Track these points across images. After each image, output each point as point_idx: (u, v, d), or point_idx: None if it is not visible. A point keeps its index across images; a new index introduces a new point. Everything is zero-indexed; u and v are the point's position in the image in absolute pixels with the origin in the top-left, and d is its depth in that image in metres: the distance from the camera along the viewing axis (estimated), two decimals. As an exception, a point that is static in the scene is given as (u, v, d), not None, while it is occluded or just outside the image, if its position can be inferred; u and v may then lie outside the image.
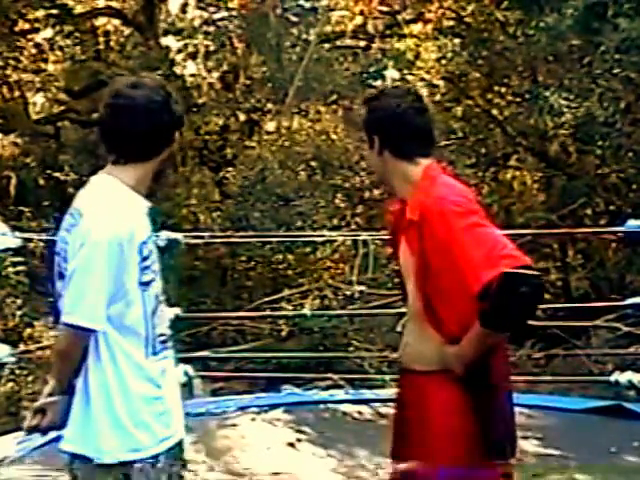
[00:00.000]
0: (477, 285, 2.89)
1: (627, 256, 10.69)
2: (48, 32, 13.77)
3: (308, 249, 10.82)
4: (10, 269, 9.51)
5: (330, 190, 11.65)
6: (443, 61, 12.46)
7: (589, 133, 10.52)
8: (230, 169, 12.55)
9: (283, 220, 10.87)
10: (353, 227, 11.41)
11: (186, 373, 6.52)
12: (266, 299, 10.39)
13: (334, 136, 12.43)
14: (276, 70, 12.95)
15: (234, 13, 13.53)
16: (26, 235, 7.91)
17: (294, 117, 12.95)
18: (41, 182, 13.49)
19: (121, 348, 2.88)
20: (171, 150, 3.09)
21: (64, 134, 14.35)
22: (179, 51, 13.44)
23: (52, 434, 3.03)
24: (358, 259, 10.14)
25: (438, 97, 12.31)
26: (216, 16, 13.72)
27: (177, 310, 6.08)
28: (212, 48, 13.53)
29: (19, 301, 9.85)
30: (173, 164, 12.31)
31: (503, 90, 12.08)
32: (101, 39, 14.06)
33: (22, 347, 8.85)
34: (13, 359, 7.02)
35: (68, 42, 13.88)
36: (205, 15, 13.77)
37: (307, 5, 13.71)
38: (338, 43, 13.93)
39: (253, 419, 6.40)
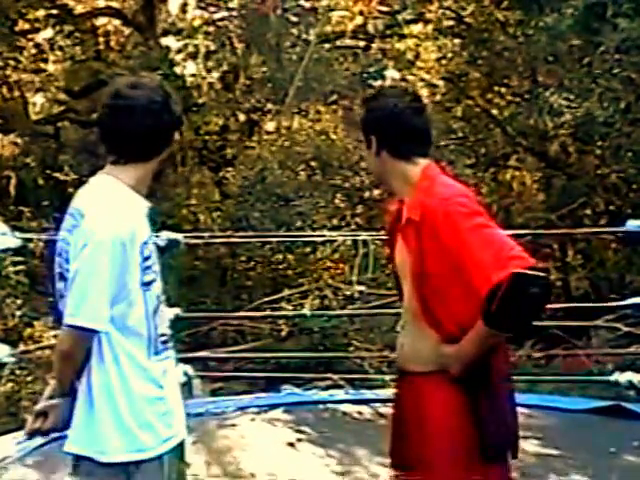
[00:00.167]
0: (486, 286, 2.89)
1: (627, 256, 10.70)
2: (48, 32, 13.78)
3: (308, 249, 10.83)
4: (10, 269, 9.51)
5: (330, 190, 11.65)
6: (443, 61, 12.46)
7: (589, 133, 10.52)
8: (230, 169, 12.55)
9: (283, 220, 10.87)
10: (353, 227, 11.41)
11: (186, 373, 6.51)
12: (266, 299, 10.39)
13: (334, 136, 12.43)
14: (276, 70, 12.95)
15: (234, 13, 13.52)
16: (26, 235, 7.90)
17: (294, 117, 12.95)
18: (41, 182, 13.49)
19: (124, 349, 2.88)
20: (170, 150, 3.09)
21: (64, 134, 14.35)
22: (179, 51, 13.44)
23: (52, 436, 3.03)
24: (358, 259, 10.13)
25: (438, 97, 12.32)
26: (216, 16, 13.72)
27: (177, 310, 6.07)
28: (212, 48, 13.53)
29: (19, 301, 9.85)
30: (173, 164, 12.32)
31: (503, 90, 12.08)
32: (101, 39, 14.07)
33: (22, 347, 8.85)
34: (13, 359, 7.01)
35: (68, 42, 13.89)
36: (205, 15, 13.77)
37: (307, 5, 13.70)
38: (338, 43, 13.92)
39: (253, 419, 6.40)
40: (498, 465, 3.18)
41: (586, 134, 10.60)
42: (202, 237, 8.75)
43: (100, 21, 14.15)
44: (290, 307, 10.08)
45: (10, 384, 8.37)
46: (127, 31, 14.11)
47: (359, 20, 13.48)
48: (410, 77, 12.48)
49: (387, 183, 3.29)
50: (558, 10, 10.26)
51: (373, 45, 13.65)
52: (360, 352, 9.16)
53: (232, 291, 11.28)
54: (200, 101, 13.13)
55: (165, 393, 2.97)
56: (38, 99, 14.30)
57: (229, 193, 12.22)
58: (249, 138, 13.03)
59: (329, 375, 7.98)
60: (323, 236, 9.85)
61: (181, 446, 3.05)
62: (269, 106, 13.23)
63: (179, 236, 6.72)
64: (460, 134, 12.07)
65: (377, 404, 6.41)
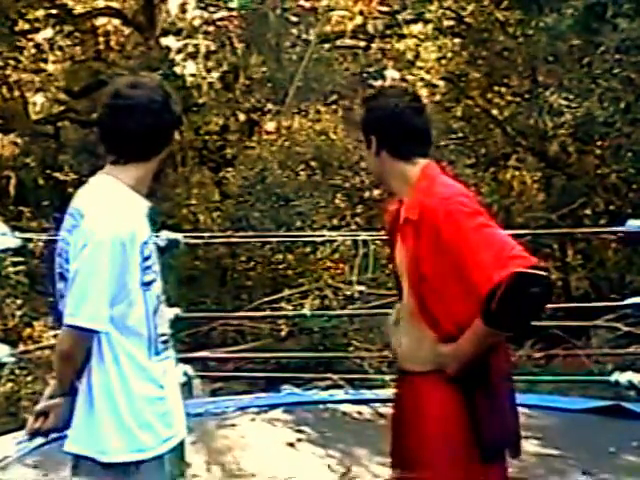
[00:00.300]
0: (487, 285, 2.88)
1: (627, 256, 10.70)
2: (48, 32, 13.77)
3: (308, 249, 10.83)
4: (10, 269, 9.52)
5: (330, 190, 11.65)
6: (443, 61, 12.46)
7: (589, 133, 10.52)
8: (230, 169, 12.55)
9: (283, 220, 10.87)
10: (353, 227, 11.41)
11: (185, 373, 6.50)
12: (266, 299, 10.39)
13: (334, 136, 12.43)
14: (276, 70, 12.94)
15: (234, 13, 13.52)
16: (26, 235, 7.89)
17: (294, 117, 12.95)
18: (41, 182, 13.49)
19: (124, 349, 2.88)
20: (170, 150, 3.09)
21: (64, 134, 14.34)
22: (179, 51, 13.43)
23: (52, 436, 3.03)
24: (358, 259, 10.13)
25: (438, 97, 12.32)
26: (216, 16, 13.71)
27: (177, 310, 6.07)
28: (212, 48, 13.53)
29: (19, 301, 9.86)
30: (173, 164, 12.32)
31: (503, 90, 12.08)
32: (101, 39, 14.06)
33: (22, 347, 8.86)
34: (13, 359, 7.00)
35: (68, 42, 13.88)
36: (205, 15, 13.76)
37: (307, 5, 13.69)
38: (338, 43, 13.91)
39: (253, 419, 6.39)
40: (497, 465, 3.18)
41: (586, 134, 10.61)
42: (202, 237, 8.75)
43: (100, 21, 14.14)
44: (290, 307, 10.08)
45: (10, 384, 8.38)
46: (127, 31, 14.11)
47: (359, 20, 13.48)
48: (410, 77, 12.48)
49: (387, 183, 3.29)
50: (558, 10, 10.27)
51: (373, 45, 13.65)
52: (360, 352, 9.16)
53: (232, 291, 11.28)
54: (200, 101, 13.13)
55: (165, 393, 2.97)
56: (38, 99, 14.29)
57: (229, 193, 12.21)
58: (249, 138, 13.03)
59: (329, 375, 7.97)
60: (323, 236, 9.85)
61: (181, 446, 3.05)
62: (269, 106, 13.23)
63: (179, 236, 6.72)
64: (460, 134, 12.06)
65: (377, 404, 6.40)
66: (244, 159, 12.29)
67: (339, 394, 6.95)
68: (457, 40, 12.27)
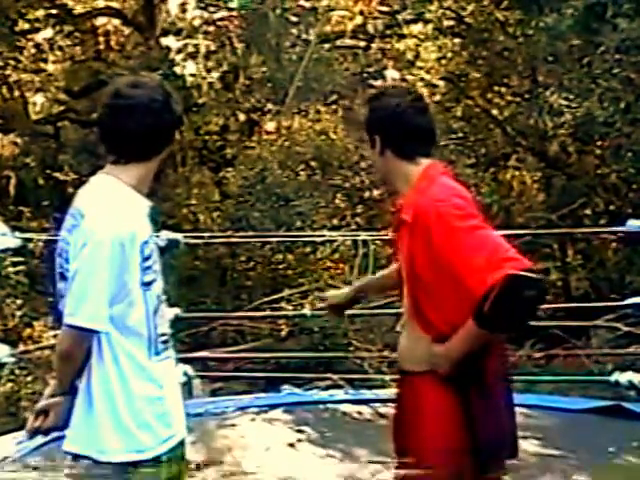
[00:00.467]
0: (481, 288, 2.88)
1: (627, 256, 10.69)
2: (48, 32, 13.77)
3: (308, 249, 10.83)
4: (10, 269, 9.52)
5: (330, 190, 11.65)
6: (443, 61, 12.46)
7: (589, 133, 10.52)
8: (230, 169, 12.55)
9: (283, 220, 10.87)
10: (353, 227, 11.40)
11: (185, 373, 6.51)
12: (266, 299, 10.39)
13: (334, 136, 12.43)
14: (276, 70, 12.94)
15: (234, 13, 13.52)
16: (26, 235, 7.89)
17: (294, 117, 12.94)
18: (41, 182, 13.49)
19: (123, 349, 2.88)
20: (170, 149, 3.09)
21: (64, 134, 14.34)
22: (179, 51, 13.43)
23: (53, 435, 3.03)
24: (358, 259, 10.13)
25: (438, 97, 12.31)
26: (216, 16, 13.71)
27: (177, 310, 6.07)
28: (212, 48, 13.53)
29: (19, 301, 9.85)
30: (173, 164, 12.32)
31: (503, 90, 12.08)
32: (101, 39, 14.06)
33: (22, 347, 8.85)
34: (13, 359, 7.01)
35: (68, 42, 13.88)
36: (205, 15, 13.76)
37: (307, 5, 13.69)
38: (338, 43, 13.91)
39: (252, 419, 6.39)
40: (494, 465, 3.17)
41: (586, 134, 10.60)
42: (202, 237, 8.75)
43: (100, 21, 14.14)
44: (290, 307, 10.08)
45: (10, 384, 8.37)
46: (127, 31, 14.10)
47: (359, 20, 13.47)
48: (410, 77, 12.47)
49: (390, 183, 3.29)
50: (558, 10, 10.26)
51: (373, 45, 13.64)
52: (360, 352, 9.16)
53: (232, 291, 11.27)
54: (200, 101, 13.12)
55: (165, 393, 2.97)
56: (38, 99, 14.29)
57: (229, 193, 12.21)
58: (249, 138, 13.03)
59: (329, 375, 7.97)
60: (323, 236, 9.85)
61: (181, 446, 3.05)
62: (269, 106, 13.23)
63: (179, 236, 6.72)
64: (460, 134, 12.05)
65: (377, 404, 6.39)
66: (244, 159, 12.29)
67: (339, 394, 6.95)
68: (457, 40, 12.27)
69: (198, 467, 5.39)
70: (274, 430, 6.18)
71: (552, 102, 10.40)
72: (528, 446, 5.47)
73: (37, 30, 13.72)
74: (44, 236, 8.95)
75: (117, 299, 2.85)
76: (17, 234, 6.63)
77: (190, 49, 13.38)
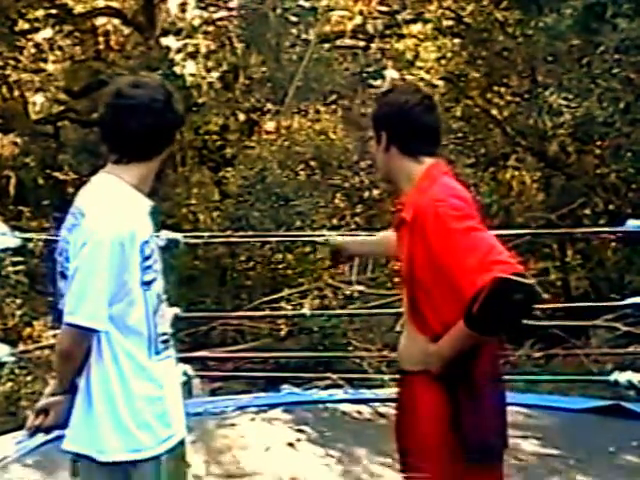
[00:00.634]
0: (471, 289, 2.88)
1: (626, 256, 10.69)
2: (48, 32, 13.78)
3: (307, 249, 10.83)
4: (10, 269, 9.52)
5: (329, 190, 11.66)
6: (442, 61, 12.46)
7: (588, 133, 10.51)
8: (230, 169, 12.55)
9: (283, 220, 10.88)
10: (353, 227, 11.41)
11: (185, 373, 6.51)
12: (265, 299, 10.40)
13: (333, 136, 12.44)
14: (276, 70, 12.95)
15: (234, 13, 13.53)
16: (26, 235, 7.90)
17: (294, 117, 12.95)
18: (41, 182, 13.50)
19: (123, 348, 2.88)
20: (172, 149, 3.09)
21: (64, 134, 14.36)
22: (179, 51, 13.43)
23: (53, 434, 3.04)
24: (357, 259, 10.14)
25: (437, 97, 12.30)
26: (216, 16, 13.72)
27: (176, 310, 6.08)
28: (212, 48, 13.54)
29: (18, 301, 9.86)
30: (173, 164, 12.32)
31: (502, 90, 12.08)
32: (101, 39, 14.07)
33: (21, 347, 8.85)
34: (12, 359, 7.01)
35: (68, 42, 13.90)
36: (205, 15, 13.76)
37: (307, 5, 13.70)
38: (338, 43, 13.92)
39: (252, 419, 6.39)
40: (486, 466, 3.17)
41: (585, 134, 10.60)
42: (202, 237, 8.74)
43: (100, 21, 14.15)
44: (290, 307, 10.09)
45: (9, 384, 8.38)
46: (127, 31, 14.12)
47: (358, 20, 13.48)
48: (409, 77, 12.47)
49: (393, 181, 3.28)
50: (557, 10, 10.26)
51: (372, 45, 13.65)
52: (359, 352, 9.16)
53: (232, 291, 11.28)
54: (200, 101, 13.13)
55: (164, 393, 2.97)
56: (38, 99, 14.30)
57: (229, 193, 12.21)
58: (249, 138, 13.04)
59: (328, 375, 7.97)
60: (323, 236, 9.83)
61: (181, 445, 3.05)
62: (269, 106, 13.24)
63: (179, 236, 6.72)
64: (460, 134, 12.06)
65: (376, 404, 6.40)
66: (244, 159, 12.29)
67: (339, 394, 6.95)
68: (457, 40, 12.28)
69: (198, 467, 5.39)
70: (274, 430, 6.19)
71: (551, 102, 10.40)
72: (528, 446, 5.48)
73: (37, 30, 13.73)
74: (44, 236, 8.95)
75: (117, 298, 2.85)
76: (17, 234, 6.63)
77: (190, 49, 13.39)
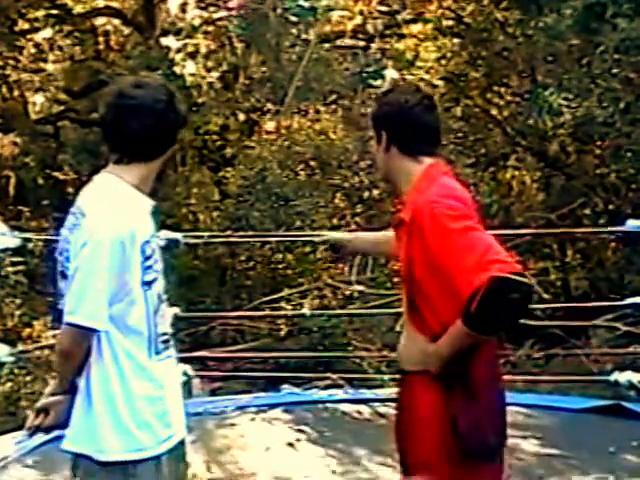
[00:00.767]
0: (468, 288, 2.88)
1: (626, 256, 10.68)
2: (48, 32, 13.77)
3: (307, 249, 10.83)
4: (9, 269, 9.52)
5: (329, 190, 11.65)
6: (442, 61, 12.45)
7: (588, 133, 10.51)
8: (229, 169, 12.55)
9: (282, 220, 10.87)
10: (353, 227, 11.40)
11: (185, 373, 6.51)
12: (265, 299, 10.39)
13: (333, 136, 12.43)
14: (275, 70, 12.94)
15: (234, 13, 13.52)
16: (25, 235, 7.90)
17: (293, 117, 12.94)
18: (40, 182, 13.49)
19: (123, 348, 2.88)
20: (174, 150, 3.09)
21: (64, 134, 14.35)
22: (179, 51, 13.43)
23: (53, 434, 3.03)
24: (357, 259, 10.14)
25: (437, 97, 12.30)
26: (216, 15, 13.72)
27: (176, 310, 6.08)
28: (212, 48, 13.53)
29: (18, 301, 9.85)
30: (173, 164, 12.32)
31: (502, 90, 12.07)
32: (101, 39, 14.06)
33: (21, 347, 8.85)
34: (12, 359, 7.01)
35: (68, 42, 13.89)
36: (205, 15, 13.76)
37: (307, 5, 13.69)
38: (337, 43, 13.92)
39: (252, 419, 6.39)
40: (486, 466, 3.17)
41: (585, 134, 10.60)
42: (202, 237, 8.75)
43: (99, 21, 14.14)
44: (289, 307, 10.09)
45: (9, 384, 8.37)
46: (127, 31, 14.11)
47: (358, 20, 13.48)
48: (409, 77, 12.46)
49: (393, 181, 3.28)
50: (557, 10, 10.26)
51: (372, 45, 13.64)
52: (359, 352, 9.16)
53: (231, 291, 11.27)
54: (200, 101, 13.13)
55: (165, 393, 2.96)
56: (38, 99, 14.30)
57: (229, 193, 12.21)
58: (249, 138, 13.03)
59: (328, 375, 7.98)
60: (323, 236, 9.83)
61: (181, 445, 3.05)
62: (269, 106, 13.23)
63: (179, 236, 6.73)
64: (459, 134, 12.05)
65: (376, 404, 6.41)
66: (244, 159, 12.29)
67: (338, 394, 6.96)
68: (456, 40, 12.27)
69: (198, 467, 5.39)
70: (273, 430, 6.19)
71: (551, 102, 10.39)
72: (528, 446, 5.49)
73: (37, 30, 13.73)
74: (43, 236, 8.96)
75: (117, 298, 2.85)
76: (16, 234, 6.64)
77: (190, 49, 13.39)
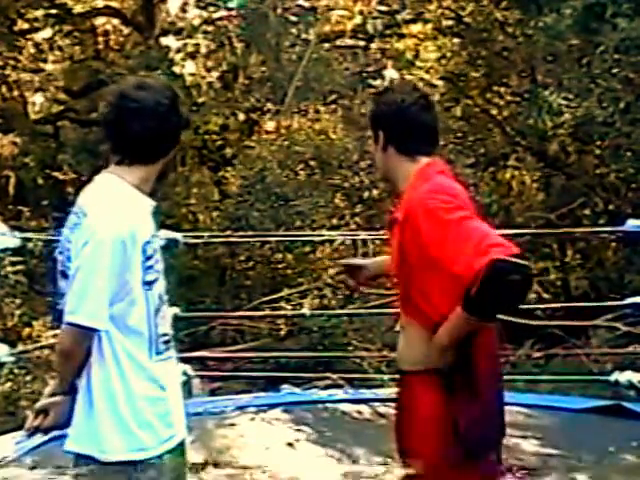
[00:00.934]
0: (468, 273, 2.87)
1: (626, 256, 10.68)
2: (47, 32, 13.78)
3: (307, 249, 10.83)
4: (9, 269, 9.51)
5: (329, 190, 11.64)
6: (442, 61, 12.46)
7: (588, 133, 10.51)
8: (229, 169, 12.55)
9: (282, 220, 10.87)
10: (352, 227, 11.40)
11: (185, 373, 6.51)
12: (265, 299, 10.39)
13: (333, 136, 12.42)
14: (275, 70, 12.94)
15: (233, 12, 13.52)
16: (25, 235, 7.90)
17: (293, 117, 12.94)
18: (40, 182, 13.49)
19: (124, 348, 2.87)
20: (176, 151, 3.08)
21: (63, 134, 14.35)
22: (178, 50, 13.43)
23: (52, 434, 3.03)
24: (358, 258, 10.12)
25: (437, 97, 12.29)
26: (215, 15, 13.71)
27: (176, 310, 6.08)
28: (212, 47, 13.53)
29: (18, 301, 9.85)
30: (173, 164, 12.31)
31: (502, 90, 12.07)
32: (100, 39, 14.07)
33: (21, 347, 8.85)
34: (12, 359, 7.01)
35: (67, 42, 13.89)
36: (204, 15, 13.76)
37: (307, 5, 13.69)
38: (337, 43, 13.92)
39: (252, 419, 6.39)
40: (485, 463, 3.17)
41: (585, 134, 10.59)
42: (201, 237, 8.75)
43: (99, 21, 14.15)
44: (289, 307, 10.09)
45: (9, 384, 8.38)
46: (126, 31, 14.11)
47: (358, 20, 13.47)
48: (409, 77, 12.46)
49: (391, 180, 3.29)
50: (557, 10, 10.26)
51: (372, 45, 13.64)
52: (359, 352, 9.16)
53: (231, 291, 11.27)
54: (199, 101, 13.13)
55: (166, 394, 2.96)
56: (37, 99, 14.30)
57: (228, 193, 12.21)
58: (248, 138, 13.03)
59: (328, 375, 7.98)
60: (322, 236, 9.85)
61: (182, 446, 3.05)
62: (268, 106, 13.23)
63: (178, 235, 6.72)
64: (459, 134, 12.05)
65: (376, 404, 6.40)
66: (243, 159, 12.29)
67: (338, 394, 6.96)
68: (456, 40, 12.27)
69: (198, 467, 5.39)
70: (273, 429, 6.18)
71: (551, 102, 10.39)
72: (528, 446, 5.48)
73: (36, 30, 13.74)
74: (43, 236, 8.95)
75: (118, 298, 2.84)
76: (16, 234, 6.63)
77: (189, 49, 13.38)
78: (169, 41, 13.65)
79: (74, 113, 13.96)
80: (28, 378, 8.52)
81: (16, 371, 8.42)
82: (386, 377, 7.41)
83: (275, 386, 7.29)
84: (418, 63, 12.82)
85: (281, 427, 6.24)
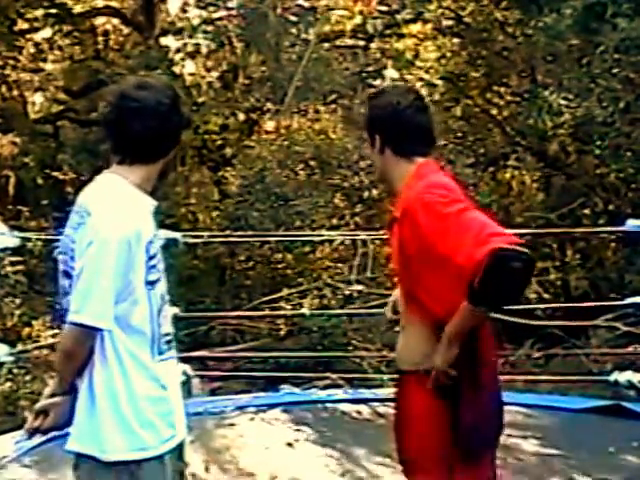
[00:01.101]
0: (471, 263, 2.87)
1: (626, 256, 10.68)
2: (47, 32, 13.78)
3: (307, 249, 10.83)
4: (9, 268, 9.51)
5: (329, 190, 11.65)
6: (442, 61, 12.46)
7: (588, 133, 10.51)
8: (229, 168, 12.55)
9: (282, 220, 10.88)
10: (352, 227, 11.41)
11: (185, 372, 6.51)
12: (265, 298, 10.39)
13: (333, 136, 12.43)
14: (275, 70, 12.94)
15: (233, 12, 13.52)
16: (25, 234, 7.90)
17: (293, 117, 12.95)
18: (40, 181, 13.49)
19: (126, 347, 2.87)
20: (176, 151, 3.08)
21: (63, 133, 14.35)
22: (178, 50, 13.43)
23: (52, 434, 3.03)
24: (357, 259, 10.14)
25: (437, 97, 12.30)
26: (215, 15, 13.72)
27: (176, 309, 6.07)
28: (211, 47, 13.53)
29: (17, 300, 9.85)
30: (173, 163, 12.32)
31: (502, 90, 12.08)
32: (100, 38, 14.07)
33: (20, 347, 8.84)
34: (11, 358, 7.00)
35: (67, 41, 13.90)
36: (204, 14, 13.76)
37: (307, 5, 13.69)
38: (337, 43, 13.92)
39: (251, 419, 6.39)
40: (482, 462, 3.17)
41: (585, 134, 10.59)
42: (201, 236, 8.75)
43: (99, 20, 14.16)
44: (289, 306, 10.09)
45: (8, 383, 8.37)
46: (126, 30, 14.12)
47: (358, 20, 13.48)
48: (409, 77, 12.46)
49: (388, 182, 3.30)
50: (557, 10, 10.26)
51: (372, 45, 13.65)
52: (359, 351, 9.16)
53: (231, 290, 11.28)
54: (199, 100, 13.13)
55: (168, 393, 2.96)
56: (37, 98, 14.31)
57: (228, 192, 12.22)
58: (248, 137, 13.03)
59: (328, 374, 7.98)
60: (322, 236, 9.86)
61: (181, 446, 3.05)
62: (268, 105, 13.24)
63: (178, 235, 6.72)
64: (459, 134, 12.05)
65: (376, 403, 6.41)
66: (243, 158, 12.29)
67: (338, 393, 6.96)
68: (456, 40, 12.28)
69: (198, 467, 5.39)
70: (273, 429, 6.18)
71: (551, 102, 10.39)
72: (528, 446, 5.48)
73: (36, 30, 13.74)
74: (43, 236, 8.95)
75: (121, 297, 2.83)
76: (16, 233, 6.63)
77: (189, 48, 13.39)
78: (169, 41, 13.65)
79: (74, 113, 13.96)
80: (28, 378, 8.52)
81: (15, 371, 8.42)
82: (386, 377, 7.41)
83: (275, 386, 7.29)
84: (418, 63, 12.82)
85: (281, 427, 6.24)
